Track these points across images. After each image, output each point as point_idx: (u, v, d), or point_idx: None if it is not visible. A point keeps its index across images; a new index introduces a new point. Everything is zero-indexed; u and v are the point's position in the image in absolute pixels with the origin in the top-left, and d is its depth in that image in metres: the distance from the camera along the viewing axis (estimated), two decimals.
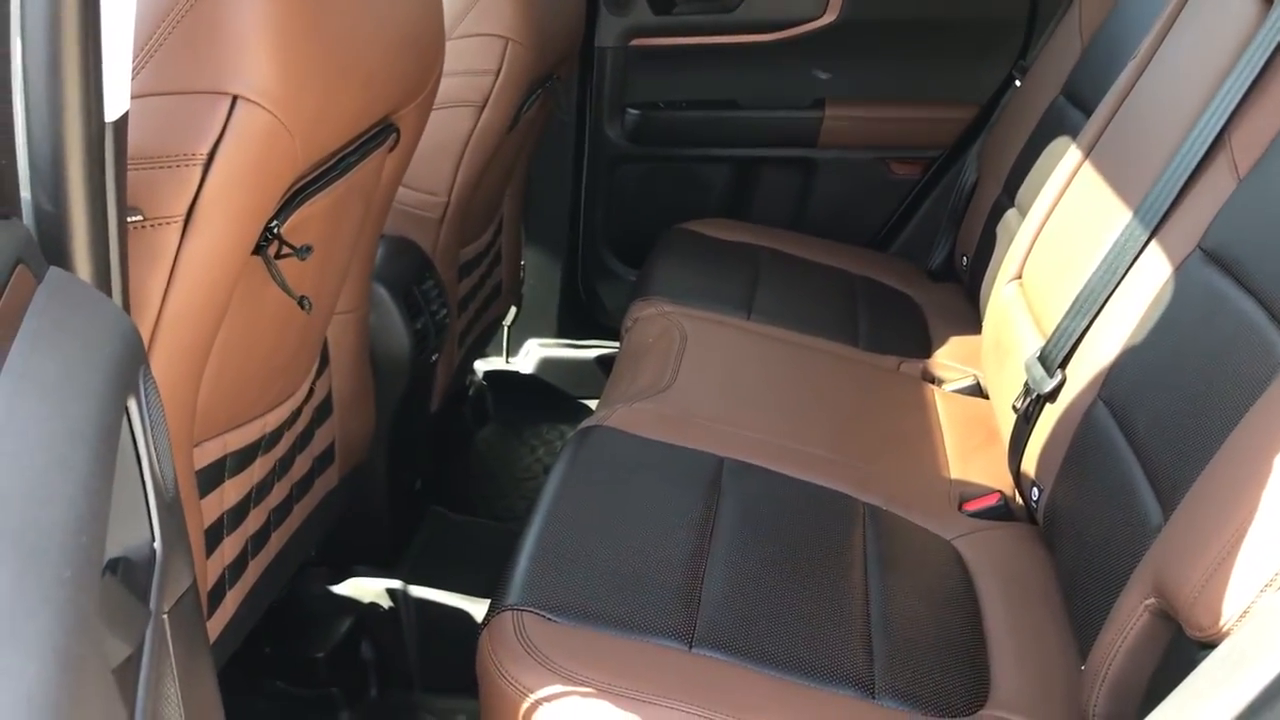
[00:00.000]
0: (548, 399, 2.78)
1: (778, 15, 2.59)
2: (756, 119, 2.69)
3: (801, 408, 1.84)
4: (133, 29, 0.86)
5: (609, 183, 2.74)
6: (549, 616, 1.23)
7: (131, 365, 0.66)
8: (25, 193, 0.81)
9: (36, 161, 0.81)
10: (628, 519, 1.44)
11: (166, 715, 0.68)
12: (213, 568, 1.30)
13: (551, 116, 2.49)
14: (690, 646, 1.24)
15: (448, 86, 1.91)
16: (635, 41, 2.62)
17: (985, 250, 2.26)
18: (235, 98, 1.01)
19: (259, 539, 1.42)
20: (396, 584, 1.91)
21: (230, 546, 1.34)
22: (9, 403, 0.50)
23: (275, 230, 1.12)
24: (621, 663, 1.19)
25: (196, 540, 1.22)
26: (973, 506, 1.64)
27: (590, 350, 2.83)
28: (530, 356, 2.84)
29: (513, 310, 2.77)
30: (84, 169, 0.82)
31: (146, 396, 0.66)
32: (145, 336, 1.03)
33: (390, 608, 1.91)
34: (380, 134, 1.36)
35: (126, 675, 0.53)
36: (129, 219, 0.99)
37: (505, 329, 2.82)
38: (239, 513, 1.35)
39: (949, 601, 1.44)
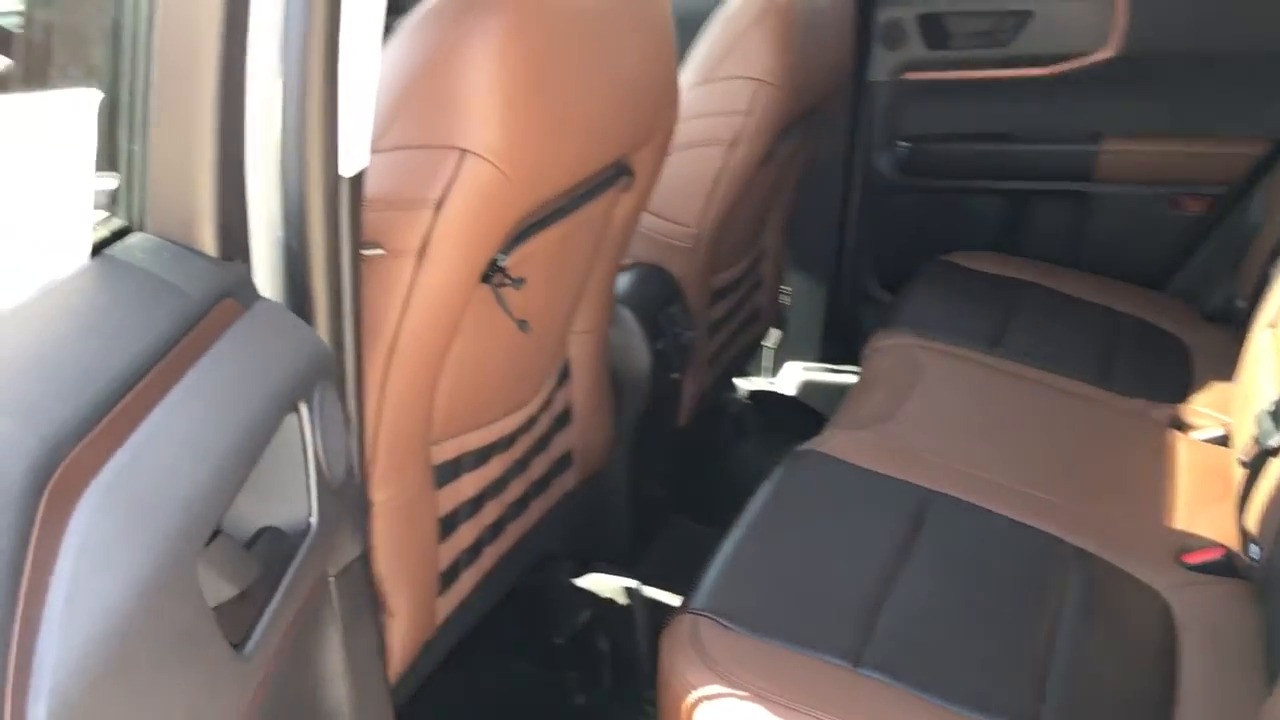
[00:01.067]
0: (806, 420, 2.86)
1: (1055, 48, 2.55)
2: (1030, 152, 2.66)
3: (1024, 446, 1.84)
4: (370, 103, 1.05)
5: (877, 213, 2.79)
6: (725, 623, 1.34)
7: (309, 378, 0.83)
8: (280, 233, 1.02)
9: (288, 210, 1.01)
10: (822, 541, 1.53)
11: (329, 657, 0.86)
12: (449, 551, 1.49)
13: (817, 150, 2.58)
14: (856, 666, 1.31)
15: (701, 126, 2.06)
16: (908, 75, 2.67)
17: (1261, 293, 2.15)
18: (464, 152, 1.18)
19: (495, 529, 1.61)
20: (633, 583, 2.06)
21: (467, 533, 1.53)
22: (172, 402, 0.67)
23: (500, 263, 1.30)
24: (784, 673, 1.28)
25: (430, 525, 1.41)
26: (1192, 559, 1.60)
27: (850, 376, 2.88)
28: (792, 378, 2.94)
29: (777, 333, 2.88)
30: (322, 217, 1.01)
31: (322, 403, 0.84)
32: (384, 350, 1.23)
33: (626, 605, 2.07)
34: (611, 176, 1.52)
35: (240, 610, 0.70)
36: (373, 252, 1.20)
37: (769, 351, 2.93)
38: (476, 504, 1.53)
39: (1142, 655, 1.43)
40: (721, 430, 2.77)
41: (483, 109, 1.18)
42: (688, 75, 2.10)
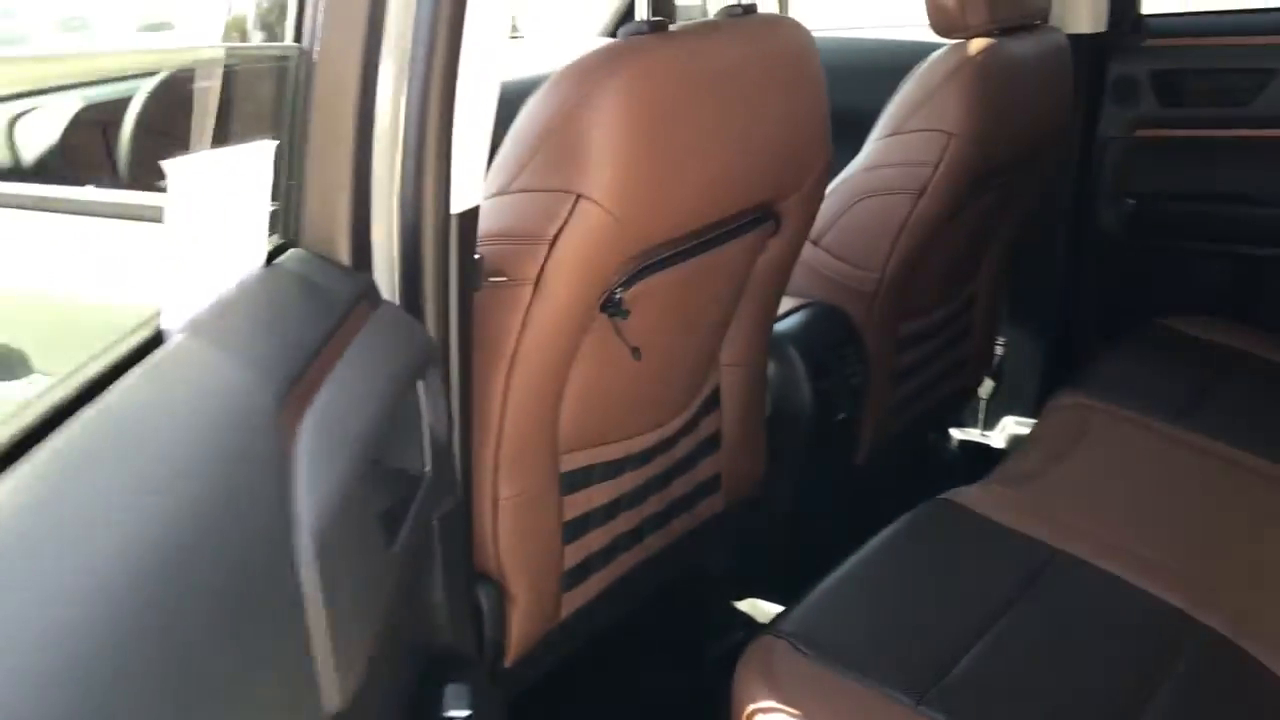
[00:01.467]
0: None
1: None
2: (1266, 216, 2.53)
3: (1177, 519, 1.79)
4: (483, 153, 1.23)
5: (1101, 269, 2.74)
6: (800, 648, 1.42)
7: (422, 363, 1.09)
8: (398, 256, 1.21)
9: (405, 238, 1.20)
10: (924, 585, 1.57)
11: (432, 583, 1.15)
12: (577, 551, 1.64)
13: (1035, 202, 2.56)
14: (919, 704, 1.36)
15: (888, 175, 2.14)
16: (1140, 132, 2.61)
17: None
18: (579, 196, 1.34)
19: (631, 537, 1.74)
20: None
21: (598, 538, 1.68)
22: (342, 366, 0.93)
23: (617, 296, 1.45)
24: (842, 702, 1.35)
25: (554, 525, 1.57)
26: None
27: None
28: (1005, 432, 2.91)
29: (991, 384, 2.87)
30: (434, 247, 1.20)
31: (429, 383, 1.09)
32: (505, 366, 1.41)
33: None
34: (751, 221, 1.63)
35: (386, 522, 0.97)
36: (497, 279, 1.38)
37: (983, 402, 2.92)
38: (608, 512, 1.68)
39: None
40: (922, 476, 2.78)
41: (598, 159, 1.34)
42: (879, 127, 2.18)
